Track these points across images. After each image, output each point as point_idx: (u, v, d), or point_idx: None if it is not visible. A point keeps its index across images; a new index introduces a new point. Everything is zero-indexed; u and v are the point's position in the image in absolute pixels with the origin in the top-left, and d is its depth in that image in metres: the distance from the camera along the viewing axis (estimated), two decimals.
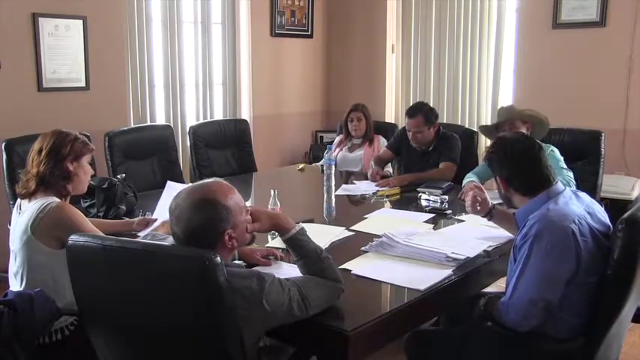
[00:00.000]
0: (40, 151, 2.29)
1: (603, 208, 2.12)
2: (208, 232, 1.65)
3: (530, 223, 1.97)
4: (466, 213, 2.92)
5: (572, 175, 2.98)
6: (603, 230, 1.99)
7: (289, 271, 2.04)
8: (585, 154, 3.49)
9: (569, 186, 2.66)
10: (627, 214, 1.89)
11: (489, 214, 2.51)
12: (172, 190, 2.96)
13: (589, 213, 2.01)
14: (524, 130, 3.05)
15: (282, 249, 2.32)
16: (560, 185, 2.09)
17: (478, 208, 2.44)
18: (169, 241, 1.82)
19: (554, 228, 1.92)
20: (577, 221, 1.93)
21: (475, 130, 4.50)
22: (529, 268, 1.94)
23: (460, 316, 2.33)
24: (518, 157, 2.12)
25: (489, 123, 5.35)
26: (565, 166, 3.06)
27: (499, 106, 3.56)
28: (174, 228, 1.67)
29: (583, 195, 2.13)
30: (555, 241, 1.90)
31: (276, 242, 2.41)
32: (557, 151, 3.10)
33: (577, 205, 2.02)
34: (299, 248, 1.85)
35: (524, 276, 1.95)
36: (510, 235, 2.47)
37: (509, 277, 2.07)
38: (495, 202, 2.72)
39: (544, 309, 1.92)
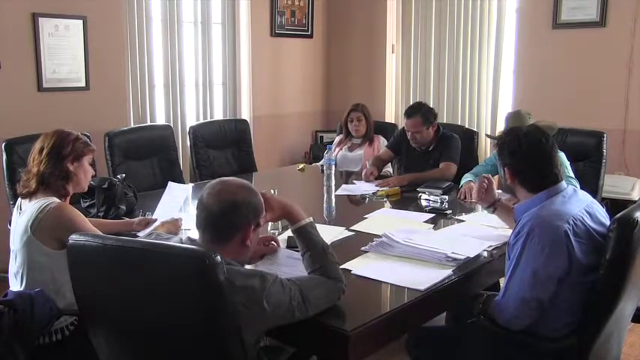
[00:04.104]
0: (41, 151, 2.30)
1: (604, 209, 2.12)
2: (244, 212, 1.70)
3: (523, 222, 1.97)
4: (466, 213, 2.94)
5: (577, 186, 2.83)
6: (602, 231, 1.98)
7: (289, 262, 2.03)
8: (587, 155, 3.48)
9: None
10: (620, 214, 1.89)
11: (493, 205, 2.52)
12: (173, 191, 2.98)
13: (588, 213, 2.00)
14: None
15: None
16: (562, 184, 2.08)
17: (482, 196, 2.53)
18: (174, 240, 1.82)
19: (546, 227, 1.92)
20: (571, 222, 1.92)
21: (475, 130, 4.51)
22: (521, 266, 1.94)
23: (464, 315, 2.33)
24: (532, 152, 2.08)
25: (489, 124, 5.37)
26: (572, 174, 3.02)
27: (506, 112, 3.52)
28: (210, 201, 1.69)
29: (584, 194, 2.12)
30: (546, 240, 1.90)
31: None
32: (563, 156, 3.03)
33: (575, 205, 2.01)
34: (307, 240, 1.86)
35: (516, 275, 1.95)
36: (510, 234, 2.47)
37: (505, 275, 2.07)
38: (502, 196, 2.73)
39: (536, 308, 1.92)
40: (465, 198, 3.17)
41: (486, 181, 2.57)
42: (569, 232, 1.90)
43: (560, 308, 1.94)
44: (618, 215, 1.89)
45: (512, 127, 2.26)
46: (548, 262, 1.89)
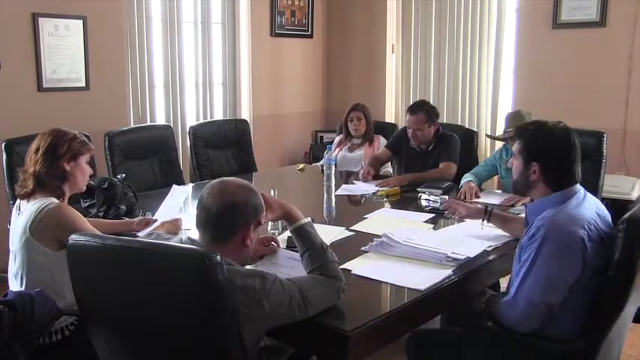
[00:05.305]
0: (37, 150, 2.28)
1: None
2: (243, 212, 1.70)
3: (538, 225, 1.94)
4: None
5: None
6: (609, 232, 1.97)
7: (289, 262, 2.03)
8: (588, 155, 3.47)
9: None
10: (628, 214, 1.87)
11: (484, 216, 2.52)
12: (177, 193, 3.00)
13: (598, 215, 1.99)
14: None
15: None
16: (577, 186, 2.06)
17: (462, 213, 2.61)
18: (174, 240, 1.82)
19: (562, 232, 1.90)
20: (586, 226, 1.90)
21: (475, 130, 4.52)
22: (534, 270, 1.91)
23: (459, 317, 2.33)
24: (564, 149, 2.03)
25: (489, 124, 5.37)
26: None
27: (507, 112, 3.52)
28: (210, 201, 1.69)
29: (591, 196, 2.10)
30: (562, 245, 1.88)
31: None
32: None
33: (588, 208, 1.99)
34: (306, 239, 1.87)
35: (529, 278, 1.93)
36: (509, 235, 2.47)
37: (513, 276, 2.06)
38: (493, 203, 2.73)
39: (545, 311, 1.90)
40: (465, 198, 3.17)
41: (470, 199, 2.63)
42: (584, 237, 1.88)
43: (567, 310, 1.93)
44: (626, 216, 1.87)
45: (540, 123, 2.12)
46: (563, 267, 1.87)
